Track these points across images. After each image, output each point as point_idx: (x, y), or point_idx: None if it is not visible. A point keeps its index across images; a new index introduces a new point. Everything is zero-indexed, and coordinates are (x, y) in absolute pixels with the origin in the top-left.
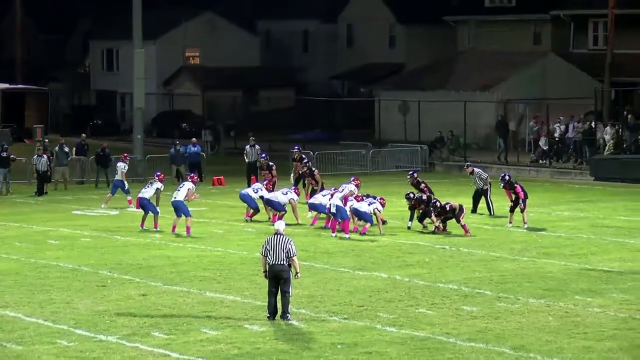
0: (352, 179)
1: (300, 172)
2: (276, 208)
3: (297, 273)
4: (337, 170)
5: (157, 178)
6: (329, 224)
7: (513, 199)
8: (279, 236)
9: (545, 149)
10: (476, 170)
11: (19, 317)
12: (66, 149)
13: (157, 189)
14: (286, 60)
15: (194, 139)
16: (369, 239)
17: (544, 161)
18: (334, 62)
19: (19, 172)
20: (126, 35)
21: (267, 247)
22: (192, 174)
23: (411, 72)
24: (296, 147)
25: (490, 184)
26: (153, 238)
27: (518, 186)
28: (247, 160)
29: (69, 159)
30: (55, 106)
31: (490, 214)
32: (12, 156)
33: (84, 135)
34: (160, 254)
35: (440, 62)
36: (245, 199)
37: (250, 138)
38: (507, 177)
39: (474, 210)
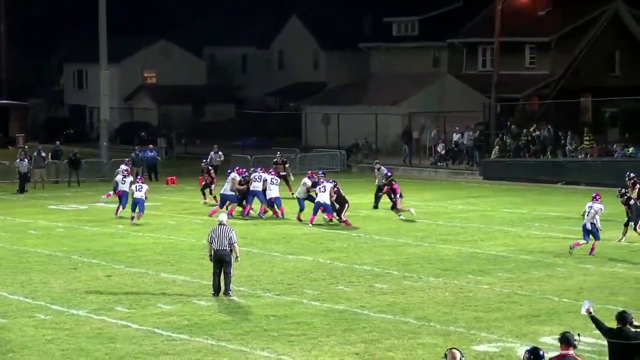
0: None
1: (281, 172)
2: (231, 199)
3: (237, 257)
4: None
5: (126, 172)
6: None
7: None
8: (222, 226)
9: (442, 153)
10: (382, 168)
11: (3, 295)
12: (43, 154)
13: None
14: (228, 80)
15: (150, 145)
16: (298, 227)
17: (442, 163)
18: (268, 81)
19: (3, 173)
20: (94, 59)
21: (213, 235)
22: (141, 177)
23: (332, 89)
24: (278, 153)
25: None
26: (117, 228)
27: (395, 184)
28: (210, 162)
29: (45, 162)
30: (35, 118)
31: (375, 206)
32: None
33: (58, 142)
34: (123, 242)
35: (356, 82)
36: (229, 197)
37: (215, 147)
38: (389, 174)
39: (375, 206)
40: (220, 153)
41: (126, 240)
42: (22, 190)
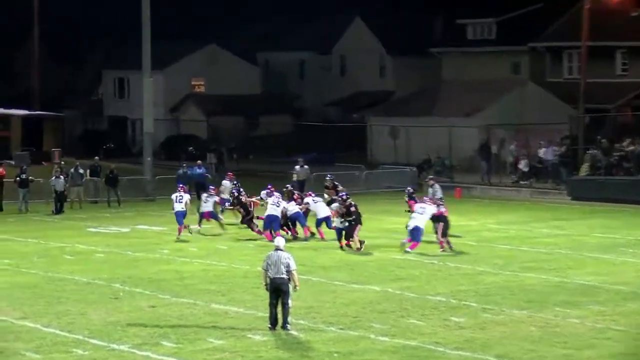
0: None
1: (333, 197)
2: (275, 225)
3: (296, 286)
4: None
5: (213, 192)
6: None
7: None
8: (279, 251)
9: (525, 170)
10: (437, 186)
11: (37, 328)
12: (81, 171)
13: (214, 201)
14: (284, 88)
15: (199, 161)
16: (364, 254)
17: (524, 182)
18: (328, 90)
19: (37, 192)
20: (136, 66)
21: (269, 261)
22: (182, 184)
23: (400, 99)
24: (328, 176)
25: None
26: (162, 253)
27: (412, 202)
28: (296, 179)
29: (83, 180)
30: (70, 130)
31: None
32: (30, 177)
33: (97, 157)
34: (169, 268)
35: (426, 90)
36: (297, 216)
37: (299, 159)
38: (410, 190)
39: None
40: (306, 167)
41: (173, 266)
42: (58, 210)
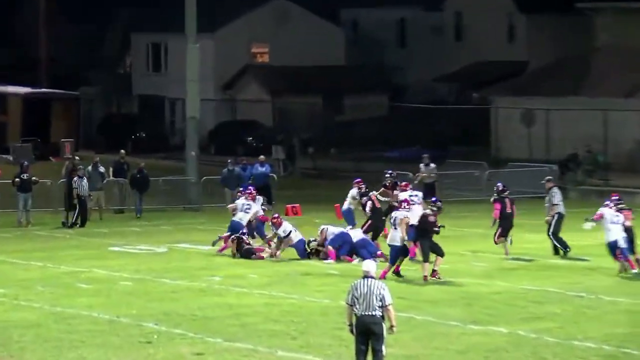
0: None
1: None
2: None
3: (392, 326)
4: (443, 196)
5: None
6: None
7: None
8: (369, 280)
9: None
10: (555, 190)
11: None
12: (101, 169)
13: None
14: (378, 58)
15: (262, 156)
16: (484, 283)
17: None
18: (438, 60)
19: (42, 198)
20: (177, 28)
21: (355, 293)
22: (249, 189)
23: (535, 72)
24: (389, 172)
25: (559, 215)
26: (210, 282)
27: (498, 204)
28: (422, 181)
29: (104, 181)
30: (88, 114)
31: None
32: (34, 178)
33: (123, 152)
34: (220, 302)
35: (573, 61)
36: (363, 243)
37: (424, 156)
38: (500, 187)
39: (565, 250)
40: (433, 165)
41: (225, 299)
42: (81, 223)
